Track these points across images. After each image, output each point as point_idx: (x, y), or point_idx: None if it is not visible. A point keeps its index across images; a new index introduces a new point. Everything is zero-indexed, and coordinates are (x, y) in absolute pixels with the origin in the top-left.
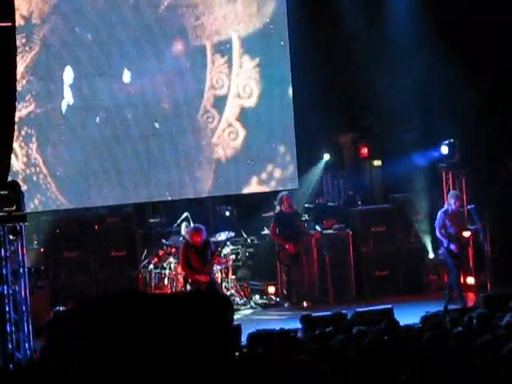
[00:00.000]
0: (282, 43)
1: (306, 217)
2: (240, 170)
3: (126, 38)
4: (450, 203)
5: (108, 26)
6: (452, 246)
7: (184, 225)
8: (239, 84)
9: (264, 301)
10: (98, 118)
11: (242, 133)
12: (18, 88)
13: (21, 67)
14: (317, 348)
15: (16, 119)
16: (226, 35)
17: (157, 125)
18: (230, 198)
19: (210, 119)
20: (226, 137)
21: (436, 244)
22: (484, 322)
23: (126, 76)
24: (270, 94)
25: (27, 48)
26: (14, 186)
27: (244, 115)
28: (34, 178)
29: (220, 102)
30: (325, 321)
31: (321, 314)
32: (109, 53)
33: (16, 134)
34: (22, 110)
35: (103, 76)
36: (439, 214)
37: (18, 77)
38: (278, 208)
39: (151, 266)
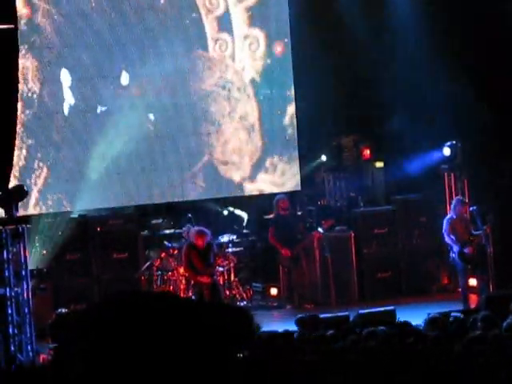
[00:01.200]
0: None
1: (308, 219)
2: (243, 168)
3: (126, 37)
4: (455, 209)
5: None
6: (466, 250)
7: (186, 226)
8: None
9: (266, 302)
10: (100, 120)
11: (260, 37)
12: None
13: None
14: (320, 350)
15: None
16: None
17: (151, 116)
18: (232, 200)
19: (224, 46)
20: (248, 50)
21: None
22: (489, 324)
23: (125, 77)
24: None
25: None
26: (20, 189)
27: (253, 17)
28: (37, 181)
29: (225, 21)
30: (327, 323)
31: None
32: (109, 54)
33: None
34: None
35: (104, 78)
36: (445, 221)
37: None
38: (274, 211)
39: (154, 268)
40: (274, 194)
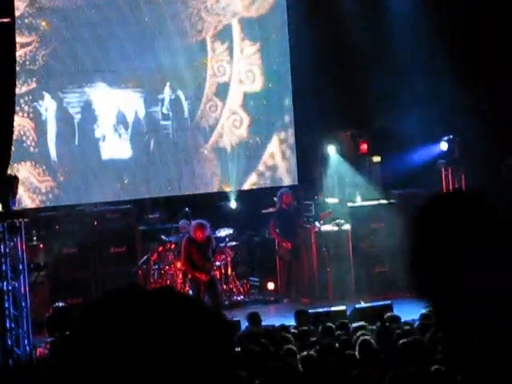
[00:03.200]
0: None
1: (305, 213)
2: (241, 163)
3: (126, 34)
4: None
5: (106, 22)
6: None
7: (183, 221)
8: (241, 70)
9: (263, 297)
10: (98, 114)
11: (245, 120)
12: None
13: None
14: (319, 344)
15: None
16: (226, 21)
17: (155, 108)
18: (230, 194)
19: (213, 108)
20: (231, 125)
21: None
22: None
23: (125, 72)
24: (273, 77)
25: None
26: (12, 180)
27: (247, 101)
28: (22, 134)
29: (222, 90)
30: (324, 317)
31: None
32: (108, 48)
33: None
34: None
35: (102, 72)
36: None
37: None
38: (277, 205)
39: (151, 262)
40: (272, 188)
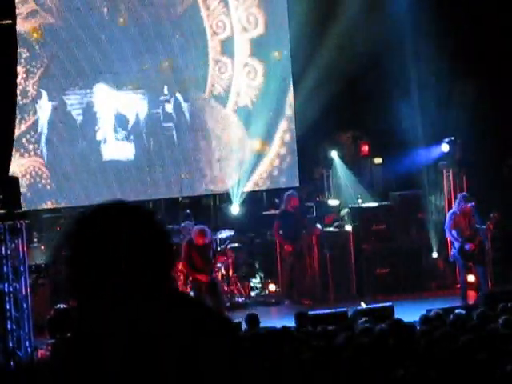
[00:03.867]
0: None
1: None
2: (266, 115)
3: (123, 32)
4: (459, 205)
5: (106, 21)
6: (466, 247)
7: (187, 222)
8: (241, 17)
9: (264, 298)
10: (99, 117)
11: (259, 68)
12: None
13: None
14: (319, 346)
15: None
16: None
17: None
18: (230, 196)
19: (223, 68)
20: (245, 78)
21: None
22: (484, 321)
23: (126, 73)
24: (274, 18)
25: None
26: (14, 181)
27: (256, 48)
28: (35, 176)
29: (228, 46)
30: (326, 319)
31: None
32: (107, 50)
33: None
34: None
35: (102, 74)
36: (448, 215)
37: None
38: (282, 206)
39: None
40: (273, 190)
